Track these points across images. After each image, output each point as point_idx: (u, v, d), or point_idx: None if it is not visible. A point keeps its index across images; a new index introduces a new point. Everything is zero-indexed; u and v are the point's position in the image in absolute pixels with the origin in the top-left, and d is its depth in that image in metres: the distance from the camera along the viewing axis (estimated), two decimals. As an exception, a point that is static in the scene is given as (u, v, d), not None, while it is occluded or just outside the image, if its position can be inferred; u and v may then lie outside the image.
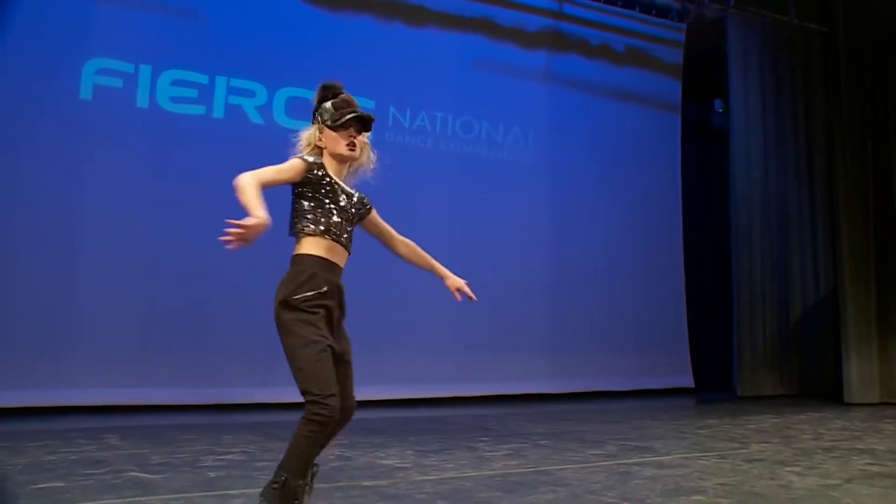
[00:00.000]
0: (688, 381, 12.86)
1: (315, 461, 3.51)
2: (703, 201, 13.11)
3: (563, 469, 5.66)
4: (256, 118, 10.34)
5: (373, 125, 3.86)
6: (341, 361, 3.55)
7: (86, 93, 9.51)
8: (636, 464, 5.90)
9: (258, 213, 3.19)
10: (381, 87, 10.87)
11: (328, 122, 3.72)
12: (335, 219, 3.60)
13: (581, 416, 9.50)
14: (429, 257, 4.09)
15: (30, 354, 8.85)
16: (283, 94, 10.50)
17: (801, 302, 12.36)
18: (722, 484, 5.04)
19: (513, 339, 11.44)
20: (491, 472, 5.53)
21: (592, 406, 10.83)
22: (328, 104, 3.75)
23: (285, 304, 3.43)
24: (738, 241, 12.25)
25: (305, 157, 3.64)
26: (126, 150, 9.58)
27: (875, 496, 4.70)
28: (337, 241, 3.60)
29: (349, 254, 3.69)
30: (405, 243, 4.09)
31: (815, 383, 11.96)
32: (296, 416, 3.41)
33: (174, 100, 9.96)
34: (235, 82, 10.28)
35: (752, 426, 8.31)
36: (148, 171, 9.68)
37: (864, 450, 6.60)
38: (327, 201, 3.61)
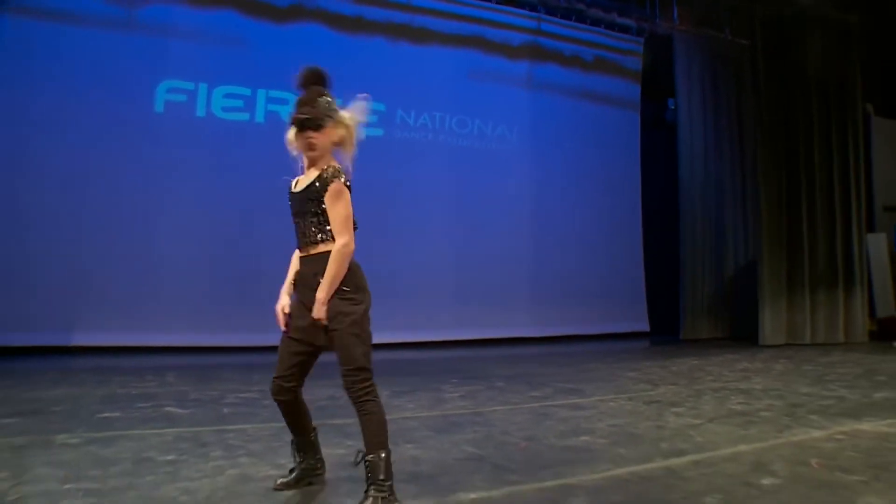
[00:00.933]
0: (644, 326, 13.27)
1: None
2: (659, 182, 13.42)
3: (496, 410, 5.83)
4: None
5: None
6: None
7: (159, 107, 10.28)
8: (558, 405, 6.03)
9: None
10: (391, 93, 11.43)
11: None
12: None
13: (545, 359, 9.80)
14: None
15: (127, 305, 9.66)
16: (301, 99, 10.98)
17: (733, 264, 12.76)
18: (612, 425, 5.18)
19: (499, 294, 11.94)
20: (438, 413, 5.76)
21: (562, 349, 11.23)
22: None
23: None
24: (684, 215, 12.60)
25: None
26: (189, 149, 10.31)
27: (723, 434, 4.88)
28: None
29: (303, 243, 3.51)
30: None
31: (740, 329, 12.36)
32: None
33: (225, 109, 10.65)
34: (273, 93, 10.90)
35: (674, 368, 8.55)
36: (206, 165, 10.41)
37: (744, 390, 6.79)
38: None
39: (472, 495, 3.60)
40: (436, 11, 11.91)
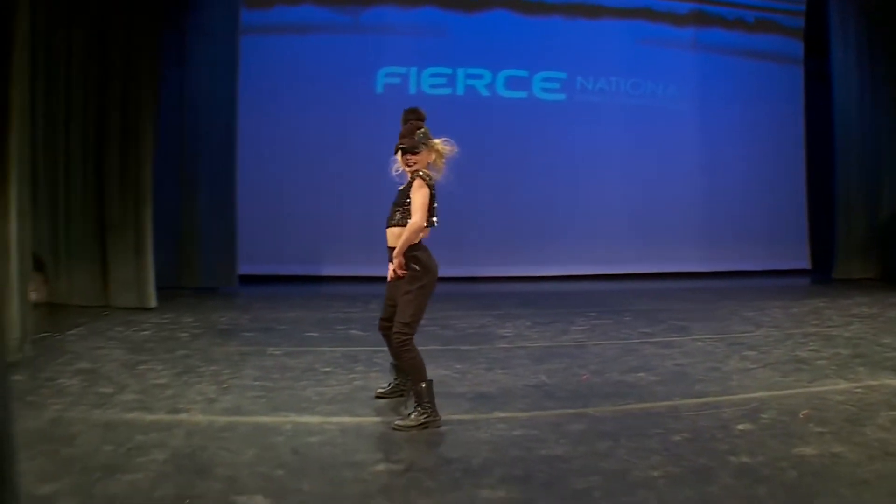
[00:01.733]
0: (805, 264, 12.42)
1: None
2: (821, 130, 12.20)
3: (598, 344, 6.03)
4: (485, 92, 11.43)
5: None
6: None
7: (380, 89, 11.16)
8: (653, 342, 6.09)
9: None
10: (571, 63, 11.50)
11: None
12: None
13: (692, 295, 9.52)
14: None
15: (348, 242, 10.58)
16: (502, 74, 11.43)
17: (888, 207, 11.49)
18: (676, 364, 5.24)
19: (672, 233, 11.74)
20: (551, 344, 6.11)
21: (721, 284, 10.86)
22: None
23: None
24: (840, 159, 11.45)
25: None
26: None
27: (761, 379, 4.79)
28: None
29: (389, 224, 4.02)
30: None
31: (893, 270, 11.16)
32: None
33: (432, 86, 11.30)
34: (470, 70, 11.37)
35: (793, 310, 8.05)
36: None
37: (830, 336, 6.34)
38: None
39: (502, 414, 4.07)
40: (607, -13, 11.72)
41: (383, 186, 10.55)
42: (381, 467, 3.31)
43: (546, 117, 11.39)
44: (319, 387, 4.73)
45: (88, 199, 7.84)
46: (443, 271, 10.34)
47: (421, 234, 3.93)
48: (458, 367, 5.29)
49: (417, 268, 3.92)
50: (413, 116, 4.19)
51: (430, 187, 3.98)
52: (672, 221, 11.63)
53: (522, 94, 11.44)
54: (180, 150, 9.47)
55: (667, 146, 11.74)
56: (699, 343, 6.12)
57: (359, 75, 10.95)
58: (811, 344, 6.05)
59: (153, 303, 7.79)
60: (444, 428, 3.85)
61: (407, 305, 3.91)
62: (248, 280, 9.98)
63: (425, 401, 3.84)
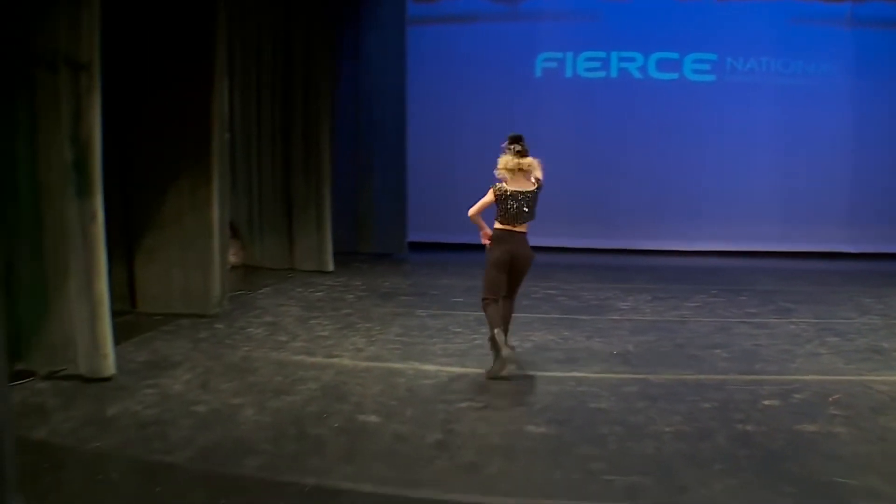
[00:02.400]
0: None
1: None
2: None
3: (699, 321, 6.69)
4: (638, 75, 12.08)
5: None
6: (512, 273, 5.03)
7: (538, 73, 12.19)
8: (748, 322, 6.63)
9: (485, 227, 5.08)
10: (721, 44, 11.83)
11: (507, 148, 5.08)
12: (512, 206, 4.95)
13: (821, 276, 9.71)
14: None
15: None
16: (654, 57, 12.01)
17: None
18: (755, 344, 5.79)
19: (820, 213, 11.80)
20: (658, 318, 6.85)
21: (862, 266, 10.87)
22: (506, 143, 5.10)
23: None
24: None
25: (494, 186, 4.99)
26: (562, 101, 12.04)
27: (822, 364, 5.34)
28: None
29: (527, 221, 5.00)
30: None
31: None
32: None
33: (587, 69, 12.15)
34: (623, 54, 12.06)
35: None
36: (571, 113, 12.03)
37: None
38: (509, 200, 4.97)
39: (577, 374, 5.09)
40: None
41: (541, 163, 11.69)
42: (464, 404, 4.48)
43: (696, 98, 11.83)
44: (446, 343, 5.97)
45: (277, 181, 9.58)
46: (592, 243, 11.18)
47: (497, 223, 5.03)
48: (566, 333, 6.29)
49: (490, 244, 5.09)
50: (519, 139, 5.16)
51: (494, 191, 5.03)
52: (820, 201, 11.69)
53: (673, 76, 11.95)
54: (356, 135, 11.07)
55: (818, 125, 11.75)
56: (792, 326, 6.61)
57: (518, 61, 12.03)
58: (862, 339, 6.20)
59: (330, 267, 9.42)
60: (529, 379, 4.96)
61: (485, 275, 5.09)
62: (417, 247, 11.50)
63: (492, 348, 4.99)
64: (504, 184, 5.00)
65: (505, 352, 4.88)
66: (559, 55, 12.08)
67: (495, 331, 4.91)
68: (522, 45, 11.99)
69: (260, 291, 8.07)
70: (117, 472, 3.56)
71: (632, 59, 11.97)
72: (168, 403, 4.41)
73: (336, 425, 4.10)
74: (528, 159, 5.04)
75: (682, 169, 11.76)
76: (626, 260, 11.04)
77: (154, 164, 6.51)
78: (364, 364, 5.34)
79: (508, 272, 5.00)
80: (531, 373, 5.13)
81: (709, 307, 7.51)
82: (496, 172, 5.03)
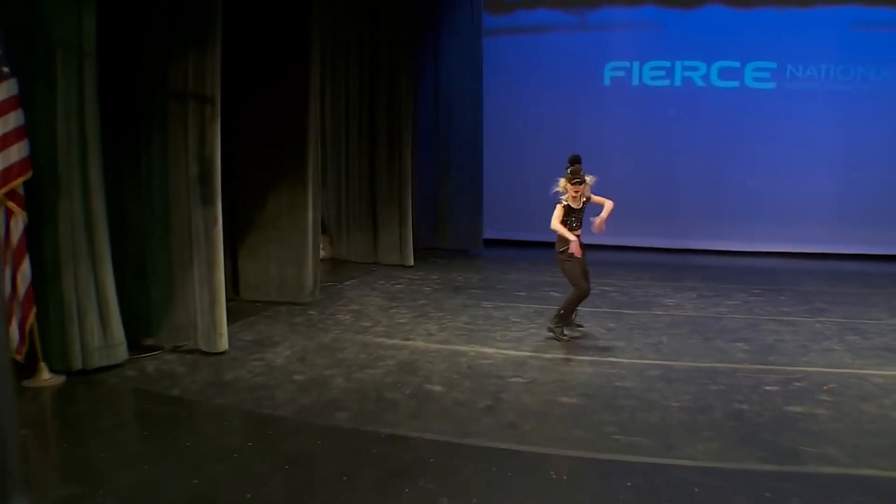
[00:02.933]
0: None
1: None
2: None
3: (733, 318, 7.47)
4: (700, 83, 12.70)
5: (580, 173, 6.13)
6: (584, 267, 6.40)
7: (607, 81, 13.00)
8: (777, 320, 7.31)
9: (570, 235, 6.20)
10: (781, 52, 12.30)
11: (568, 177, 6.21)
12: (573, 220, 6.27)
13: (867, 278, 10.23)
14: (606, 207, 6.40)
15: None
16: (716, 66, 12.59)
17: None
18: (776, 339, 6.52)
19: (882, 215, 12.16)
20: (696, 314, 7.68)
21: None
22: (569, 170, 6.23)
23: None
24: None
25: (562, 202, 6.20)
26: (628, 108, 12.82)
27: (831, 359, 6.12)
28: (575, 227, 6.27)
29: (580, 228, 6.28)
30: (604, 202, 6.43)
31: None
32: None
33: (652, 78, 12.85)
34: (687, 63, 12.70)
35: None
36: (637, 120, 12.80)
37: None
38: (571, 216, 6.27)
39: (612, 359, 6.04)
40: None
41: (608, 166, 12.57)
42: (514, 379, 5.53)
43: (757, 105, 12.39)
44: (505, 331, 7.02)
45: (363, 181, 10.79)
46: (655, 242, 11.96)
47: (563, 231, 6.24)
48: (611, 325, 7.24)
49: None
50: (577, 162, 6.29)
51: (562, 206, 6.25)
52: (875, 204, 12.06)
53: (735, 84, 12.53)
54: (436, 137, 12.19)
55: (876, 130, 12.09)
56: (818, 325, 7.29)
57: (588, 69, 12.88)
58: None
59: (411, 262, 10.58)
60: (571, 362, 5.97)
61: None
62: (491, 243, 12.62)
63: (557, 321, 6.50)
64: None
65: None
66: (626, 64, 12.85)
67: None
68: (592, 55, 12.82)
69: (347, 283, 9.30)
70: (238, 420, 4.77)
71: (695, 68, 12.62)
72: (273, 373, 5.63)
73: (408, 392, 5.23)
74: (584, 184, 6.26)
75: (740, 173, 12.36)
76: (682, 259, 11.79)
77: (256, 172, 7.77)
78: (434, 346, 6.44)
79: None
80: (574, 357, 6.13)
81: (747, 306, 8.23)
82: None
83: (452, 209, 12.33)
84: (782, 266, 11.28)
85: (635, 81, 12.85)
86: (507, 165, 12.92)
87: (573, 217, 6.30)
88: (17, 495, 2.03)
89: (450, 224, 12.37)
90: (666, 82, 12.76)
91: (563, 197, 6.23)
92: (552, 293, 8.55)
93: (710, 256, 12.04)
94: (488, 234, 12.59)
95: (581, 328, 6.88)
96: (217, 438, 4.51)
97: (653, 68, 12.79)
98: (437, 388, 5.33)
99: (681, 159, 12.47)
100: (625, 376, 5.63)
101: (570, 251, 6.22)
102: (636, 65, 12.82)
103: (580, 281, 6.37)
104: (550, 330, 6.62)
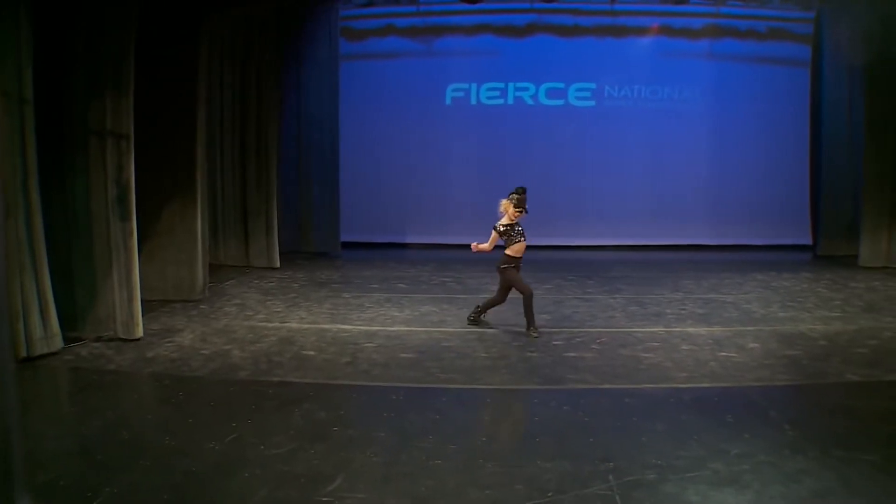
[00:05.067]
0: (807, 240, 15.36)
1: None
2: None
3: (541, 297, 9.93)
4: (530, 101, 15.49)
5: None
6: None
7: (448, 101, 15.56)
8: (578, 298, 9.97)
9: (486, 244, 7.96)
10: (600, 75, 15.34)
11: (514, 203, 7.90)
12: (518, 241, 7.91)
13: (676, 265, 13.18)
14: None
15: (425, 217, 15.29)
16: (544, 86, 15.47)
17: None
18: (558, 312, 9.40)
19: (682, 212, 15.38)
20: (511, 296, 10.19)
21: (725, 257, 14.43)
22: (516, 196, 7.87)
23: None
24: (825, 146, 14.27)
25: (496, 229, 7.93)
26: (468, 124, 15.42)
27: (604, 320, 8.91)
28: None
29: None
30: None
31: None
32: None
33: (488, 97, 15.57)
34: (518, 84, 15.49)
35: (727, 280, 11.48)
36: (476, 135, 15.45)
37: (721, 303, 10.08)
38: (513, 235, 7.94)
39: (428, 329, 8.41)
40: (632, 12, 15.15)
41: (451, 176, 15.11)
42: (367, 344, 7.77)
43: (579, 120, 15.24)
44: (361, 313, 9.23)
45: (236, 194, 12.77)
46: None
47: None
48: (445, 306, 9.62)
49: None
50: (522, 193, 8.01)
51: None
52: (684, 203, 15.19)
53: (560, 102, 15.36)
54: (298, 155, 14.28)
55: (681, 141, 15.22)
56: (611, 300, 10.00)
57: (432, 90, 15.39)
58: (690, 305, 9.67)
59: (278, 264, 12.65)
60: (411, 333, 8.30)
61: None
62: (349, 245, 14.88)
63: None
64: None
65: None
66: (466, 85, 15.46)
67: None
68: (436, 77, 15.33)
69: (227, 283, 11.28)
70: (168, 381, 6.74)
71: (525, 89, 15.41)
72: (183, 350, 7.61)
73: (289, 356, 7.38)
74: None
75: (567, 178, 15.09)
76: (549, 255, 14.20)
77: (153, 190, 9.56)
78: (306, 326, 8.59)
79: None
80: (412, 329, 8.47)
81: (558, 288, 10.86)
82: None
83: (314, 216, 14.43)
84: (602, 258, 14.16)
85: (473, 101, 15.47)
86: (362, 176, 15.19)
87: (515, 236, 8.07)
88: (21, 494, 2.22)
89: (311, 229, 14.48)
90: (500, 101, 15.44)
91: (500, 222, 8.00)
92: (400, 284, 11.00)
93: (541, 251, 14.50)
94: (345, 237, 14.73)
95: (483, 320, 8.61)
96: (157, 392, 6.49)
97: (489, 89, 15.45)
98: (311, 352, 7.49)
99: (515, 167, 14.86)
100: (449, 339, 7.98)
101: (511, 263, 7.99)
102: (474, 86, 15.44)
103: (524, 286, 7.96)
104: (472, 321, 8.41)
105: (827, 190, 14.28)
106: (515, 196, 7.87)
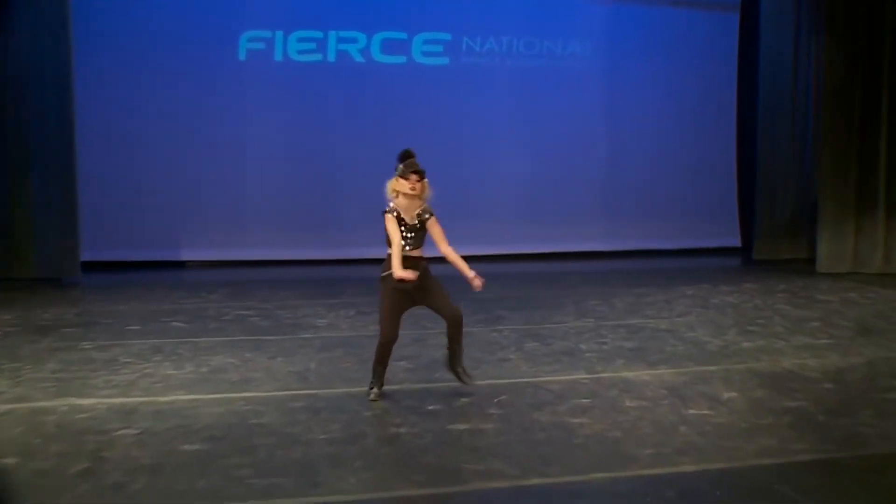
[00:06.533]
0: (735, 241, 15.10)
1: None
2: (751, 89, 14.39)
3: (434, 336, 8.32)
4: (359, 58, 13.93)
5: (423, 173, 6.18)
6: (429, 297, 6.35)
7: (242, 55, 13.68)
8: (444, 332, 8.10)
9: (409, 272, 6.04)
10: (456, 23, 14.01)
11: (399, 174, 6.19)
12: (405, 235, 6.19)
13: (566, 277, 12.30)
14: (459, 262, 6.41)
15: (219, 227, 13.42)
16: (378, 38, 13.93)
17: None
18: (423, 355, 7.22)
19: (571, 209, 14.40)
20: (350, 334, 8.55)
21: (619, 265, 13.60)
22: (401, 165, 6.21)
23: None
24: (763, 124, 13.84)
25: (389, 212, 6.18)
26: (270, 90, 13.68)
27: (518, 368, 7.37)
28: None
29: (419, 247, 6.28)
30: (448, 253, 6.42)
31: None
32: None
33: (300, 52, 13.79)
34: (342, 33, 13.87)
35: (648, 298, 10.58)
36: (284, 103, 13.72)
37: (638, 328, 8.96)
38: (401, 227, 6.18)
39: (241, 395, 6.44)
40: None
41: (246, 163, 13.09)
42: (121, 432, 5.67)
43: (428, 84, 13.93)
44: (112, 375, 7.11)
45: None
46: (307, 254, 13.17)
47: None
48: (247, 356, 7.76)
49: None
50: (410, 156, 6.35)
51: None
52: (569, 196, 14.29)
53: (401, 59, 13.95)
54: (3, 131, 11.73)
55: (568, 112, 14.28)
56: (494, 334, 8.69)
57: (218, 40, 13.44)
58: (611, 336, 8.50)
59: (-33, 299, 10.13)
60: (195, 404, 6.28)
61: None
62: (93, 268, 12.65)
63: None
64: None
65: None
66: (267, 34, 13.66)
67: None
68: (224, 22, 13.44)
69: None
70: None
71: (352, 41, 13.82)
72: None
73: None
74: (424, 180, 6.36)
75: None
76: (340, 271, 12.92)
77: None
78: (4, 407, 6.34)
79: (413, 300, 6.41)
80: (199, 396, 6.47)
81: (414, 318, 9.06)
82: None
83: (35, 228, 12.00)
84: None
85: (278, 56, 13.71)
86: (112, 164, 13.04)
87: (403, 230, 6.30)
88: None
89: (31, 248, 12.03)
90: (317, 57, 13.79)
91: (392, 204, 6.34)
92: (174, 324, 9.17)
93: (372, 266, 13.10)
94: (88, 255, 12.58)
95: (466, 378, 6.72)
96: None
97: (300, 39, 13.75)
98: (10, 460, 5.31)
99: (337, 150, 13.61)
100: (262, 412, 6.10)
101: (396, 276, 6.14)
102: (279, 35, 13.71)
103: (385, 323, 6.38)
104: (458, 376, 6.62)
105: (763, 176, 13.88)
106: (401, 163, 6.36)
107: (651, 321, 9.33)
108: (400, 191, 6.27)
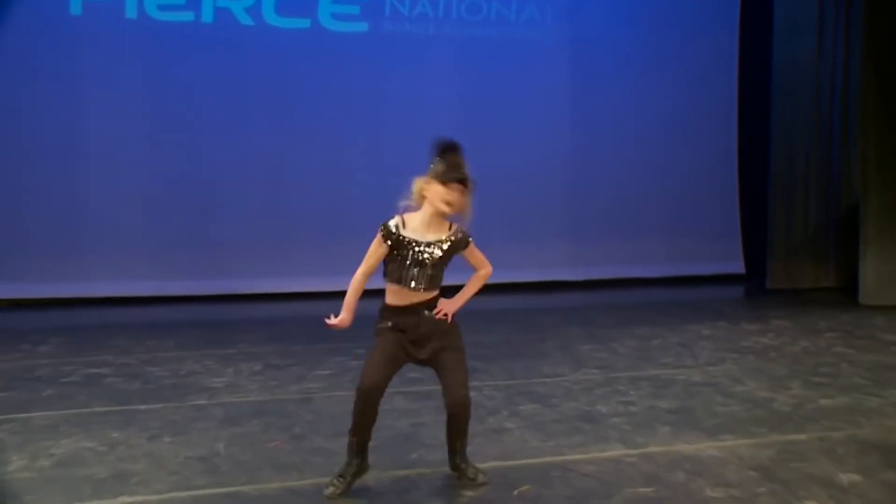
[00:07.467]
0: (738, 268, 14.60)
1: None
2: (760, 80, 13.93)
3: (329, 397, 7.44)
4: (246, 20, 12.77)
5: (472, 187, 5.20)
6: (438, 359, 5.23)
7: (75, 8, 12.29)
8: (404, 393, 7.41)
9: (343, 314, 5.09)
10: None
11: (435, 175, 5.13)
12: (412, 270, 5.09)
13: (538, 315, 11.54)
14: (472, 288, 5.48)
15: (46, 252, 12.04)
16: (273, -4, 12.90)
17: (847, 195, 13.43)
18: (386, 427, 6.30)
19: (526, 227, 13.55)
20: (265, 398, 7.49)
21: (595, 298, 12.94)
22: (440, 161, 5.14)
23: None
24: (777, 124, 13.45)
25: (381, 231, 5.18)
26: (118, 60, 12.34)
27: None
28: (406, 287, 5.08)
29: (434, 288, 5.19)
30: (481, 276, 5.51)
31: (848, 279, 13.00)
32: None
33: (161, 8, 12.52)
34: (224, -12, 12.73)
35: (628, 342, 9.88)
36: (140, 79, 12.41)
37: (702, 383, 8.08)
38: (405, 255, 5.12)
39: (128, 499, 5.02)
40: None
41: (73, 159, 11.69)
42: None
43: (339, 57, 12.92)
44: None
45: None
46: (183, 288, 12.81)
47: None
48: (115, 436, 6.37)
49: None
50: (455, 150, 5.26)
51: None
52: (525, 211, 13.52)
53: (304, 24, 12.95)
54: None
55: (522, 97, 13.53)
56: (474, 393, 7.25)
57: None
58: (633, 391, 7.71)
59: None
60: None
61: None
62: None
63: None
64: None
65: None
66: (115, -19, 12.38)
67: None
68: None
69: None
70: None
71: (237, -2, 12.73)
72: None
73: None
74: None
75: (313, 166, 12.96)
76: (231, 310, 12.06)
77: None
78: None
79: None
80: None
81: (351, 374, 8.00)
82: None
83: None
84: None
85: (132, 13, 12.42)
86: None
87: (408, 258, 5.19)
88: None
89: None
90: (187, 16, 12.58)
91: (397, 217, 5.30)
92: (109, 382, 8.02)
93: (277, 303, 12.22)
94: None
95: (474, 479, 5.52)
96: None
97: (165, -9, 12.53)
98: None
99: (212, 146, 12.51)
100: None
101: (327, 323, 5.20)
102: (131, -18, 12.45)
103: (370, 366, 5.22)
104: (470, 477, 5.44)
105: (777, 184, 13.56)
106: (440, 158, 5.22)
107: (676, 371, 8.62)
108: (430, 199, 5.16)
